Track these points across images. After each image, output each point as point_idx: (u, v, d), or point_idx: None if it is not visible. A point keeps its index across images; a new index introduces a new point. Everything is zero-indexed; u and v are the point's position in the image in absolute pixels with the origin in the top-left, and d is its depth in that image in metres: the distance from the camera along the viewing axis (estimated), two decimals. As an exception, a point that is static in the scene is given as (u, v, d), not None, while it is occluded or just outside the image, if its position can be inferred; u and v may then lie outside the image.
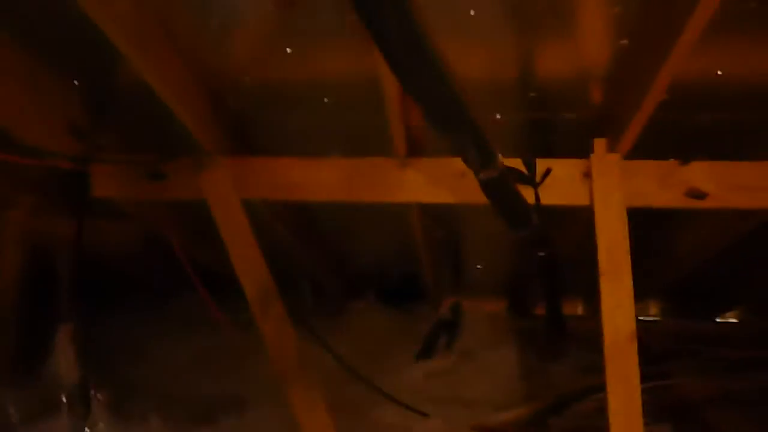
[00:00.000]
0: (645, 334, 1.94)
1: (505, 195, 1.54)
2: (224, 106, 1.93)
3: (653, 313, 3.37)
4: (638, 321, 1.77)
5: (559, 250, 2.18)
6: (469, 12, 1.52)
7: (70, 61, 1.85)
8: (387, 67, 1.53)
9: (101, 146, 2.04)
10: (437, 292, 3.28)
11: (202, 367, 2.73)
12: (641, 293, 1.90)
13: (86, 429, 2.03)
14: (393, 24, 0.87)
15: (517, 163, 1.83)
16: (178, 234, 2.23)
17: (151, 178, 2.03)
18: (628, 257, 1.74)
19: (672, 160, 1.83)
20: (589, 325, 3.21)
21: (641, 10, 1.50)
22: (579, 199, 1.85)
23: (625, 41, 1.58)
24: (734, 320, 3.32)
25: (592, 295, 3.32)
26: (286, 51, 1.73)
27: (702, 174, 1.79)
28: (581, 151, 1.89)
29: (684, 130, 1.81)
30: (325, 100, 1.90)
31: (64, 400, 2.05)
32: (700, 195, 1.76)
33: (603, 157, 1.81)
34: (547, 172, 1.82)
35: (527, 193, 1.79)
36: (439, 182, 1.89)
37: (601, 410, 2.57)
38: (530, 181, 1.80)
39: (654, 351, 2.72)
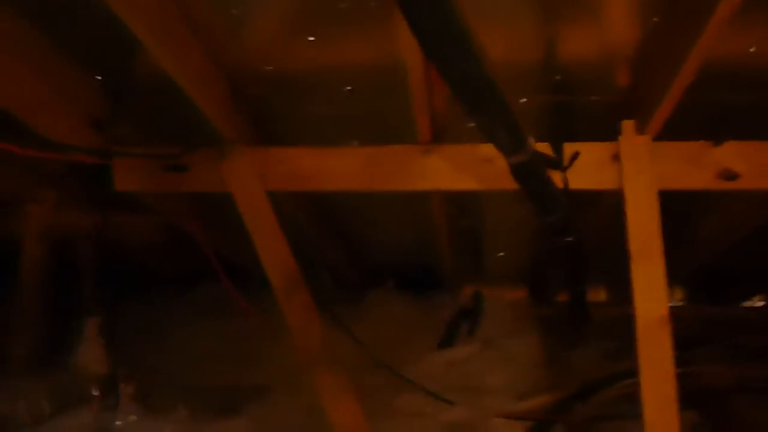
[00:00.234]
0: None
1: (536, 180, 1.51)
2: (245, 95, 1.92)
3: (677, 298, 3.34)
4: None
5: (584, 236, 2.15)
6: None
7: (90, 55, 1.84)
8: (412, 51, 1.54)
9: (122, 139, 2.03)
10: (456, 280, 3.26)
11: (225, 356, 2.75)
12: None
13: (116, 421, 2.04)
14: (431, 5, 0.85)
15: (544, 148, 1.80)
16: (197, 225, 2.22)
17: (173, 170, 2.02)
18: (660, 241, 1.71)
19: (702, 141, 1.79)
20: (610, 311, 3.21)
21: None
22: (608, 182, 1.82)
23: (655, 19, 1.54)
24: (761, 304, 3.27)
25: (613, 282, 3.33)
26: (307, 39, 1.71)
27: (734, 155, 1.76)
28: (606, 134, 1.86)
29: (714, 111, 1.77)
30: (347, 88, 1.88)
31: (95, 392, 2.06)
32: (732, 176, 1.72)
33: (632, 139, 1.78)
34: (576, 155, 1.79)
35: (555, 178, 1.76)
36: (463, 169, 1.87)
37: (625, 397, 2.58)
38: (558, 165, 1.77)
39: (678, 337, 2.69)
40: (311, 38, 1.70)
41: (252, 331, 2.65)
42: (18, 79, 1.74)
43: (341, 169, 1.93)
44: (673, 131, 1.79)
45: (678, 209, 2.26)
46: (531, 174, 1.47)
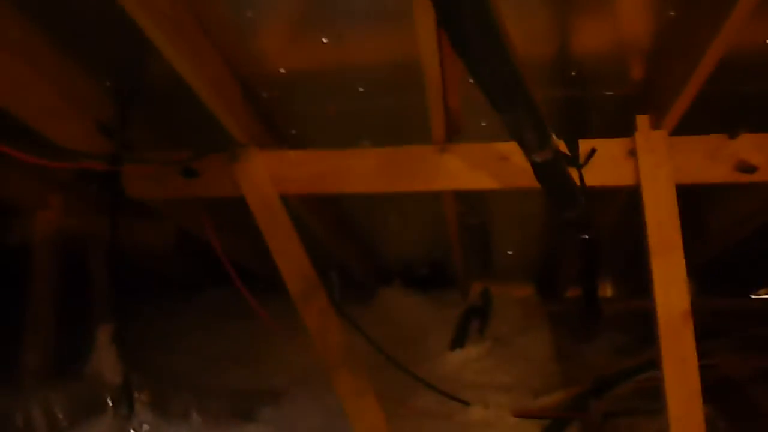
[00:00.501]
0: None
1: (558, 177, 1.50)
2: (257, 97, 1.91)
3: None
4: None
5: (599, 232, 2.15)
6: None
7: (99, 60, 1.83)
8: (428, 50, 1.52)
9: (132, 145, 2.01)
10: (465, 279, 3.26)
11: (237, 360, 2.73)
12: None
13: (131, 430, 2.02)
14: (466, 3, 0.84)
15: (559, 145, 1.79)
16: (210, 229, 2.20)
17: (185, 174, 2.01)
18: (679, 234, 1.70)
19: (719, 134, 1.78)
20: (620, 306, 3.21)
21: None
22: (624, 178, 1.81)
23: (672, 13, 1.53)
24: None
25: (620, 277, 3.33)
26: (321, 40, 1.70)
27: (751, 147, 1.75)
28: (620, 130, 1.85)
29: (730, 103, 1.77)
30: (360, 89, 1.86)
31: (109, 401, 2.04)
32: (749, 169, 1.72)
33: (648, 134, 1.77)
34: (592, 152, 1.78)
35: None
36: (479, 167, 1.86)
37: (639, 392, 2.57)
38: (574, 162, 1.76)
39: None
40: (324, 40, 1.69)
41: (264, 333, 2.63)
42: (26, 84, 1.72)
43: (357, 170, 1.92)
44: (687, 125, 1.78)
45: (688, 203, 2.27)
46: (554, 172, 1.46)
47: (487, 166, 1.85)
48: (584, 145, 1.84)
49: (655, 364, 1.78)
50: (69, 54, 1.76)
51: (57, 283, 2.28)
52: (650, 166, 1.76)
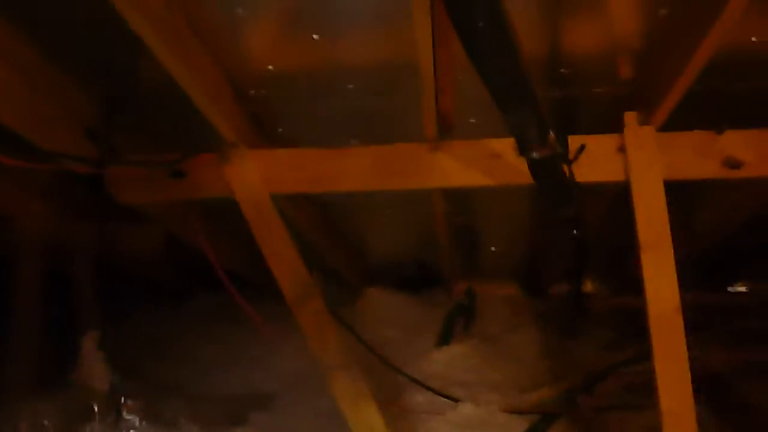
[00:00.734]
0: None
1: (554, 174, 1.51)
2: (247, 97, 1.88)
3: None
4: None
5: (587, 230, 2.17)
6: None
7: (86, 65, 1.79)
8: (423, 49, 1.52)
9: (119, 148, 1.97)
10: (452, 278, 3.26)
11: (227, 365, 2.70)
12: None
13: (119, 437, 1.99)
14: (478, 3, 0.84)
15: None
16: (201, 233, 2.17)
17: (173, 176, 1.97)
18: (668, 229, 1.73)
19: (707, 130, 1.81)
20: (604, 303, 3.25)
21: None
22: (614, 174, 1.83)
23: (664, 11, 1.55)
24: (744, 290, 3.34)
25: (606, 275, 3.36)
26: (311, 38, 1.68)
27: (739, 143, 1.78)
28: (609, 126, 1.87)
29: (718, 100, 1.80)
30: (350, 86, 1.85)
31: (96, 408, 2.00)
32: (736, 164, 1.75)
33: (637, 130, 1.79)
34: (581, 148, 1.80)
35: (561, 171, 1.76)
36: (472, 165, 1.86)
37: (627, 387, 2.60)
38: (564, 158, 1.78)
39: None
40: (315, 36, 1.68)
41: (254, 338, 2.60)
42: (8, 87, 1.67)
43: (349, 169, 1.91)
44: (675, 121, 1.81)
45: (673, 199, 2.31)
46: (551, 168, 1.47)
47: (480, 163, 1.85)
48: (574, 142, 1.86)
49: (643, 357, 1.80)
50: (55, 58, 1.72)
51: (42, 291, 2.23)
52: (639, 162, 1.78)
